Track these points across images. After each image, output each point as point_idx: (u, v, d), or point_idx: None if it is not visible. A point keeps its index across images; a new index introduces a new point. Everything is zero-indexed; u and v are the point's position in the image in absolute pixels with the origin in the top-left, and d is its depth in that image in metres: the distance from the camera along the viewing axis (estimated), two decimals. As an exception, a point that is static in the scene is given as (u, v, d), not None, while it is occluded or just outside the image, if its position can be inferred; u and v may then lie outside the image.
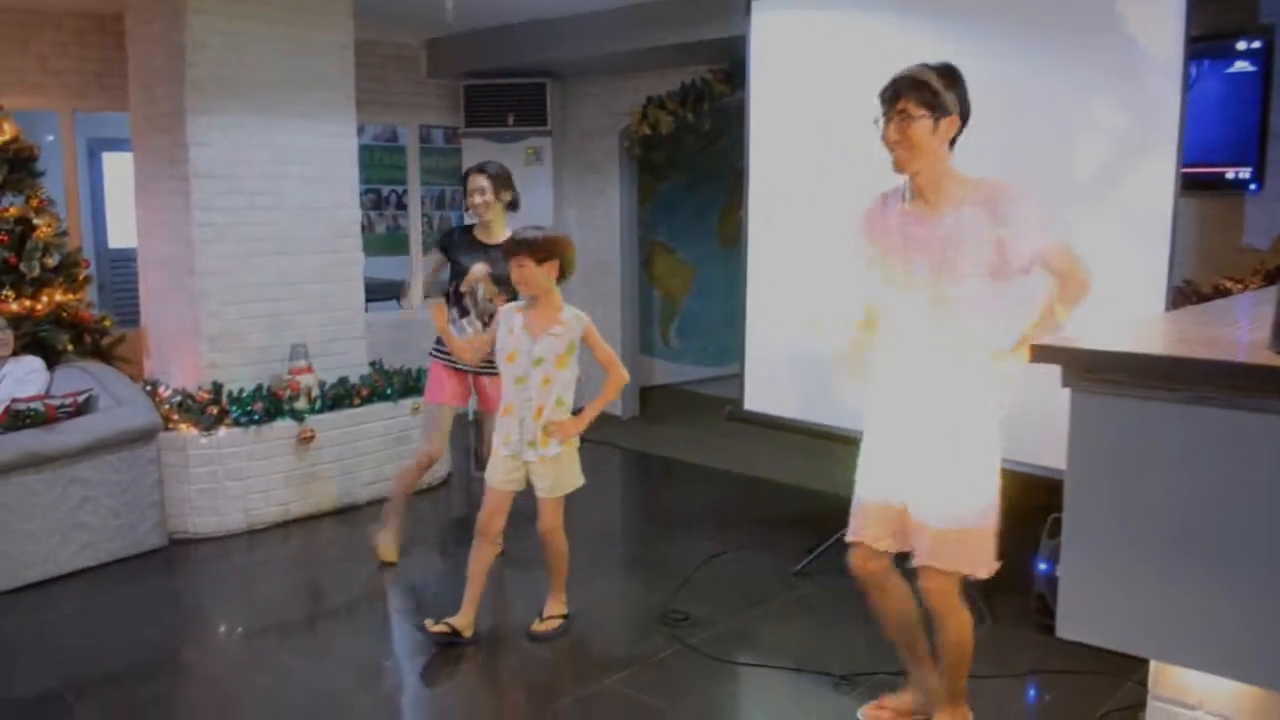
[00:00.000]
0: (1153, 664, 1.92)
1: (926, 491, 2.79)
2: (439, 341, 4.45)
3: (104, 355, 5.30)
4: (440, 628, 3.73)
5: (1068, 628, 1.85)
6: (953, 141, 2.74)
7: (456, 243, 4.51)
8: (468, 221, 4.67)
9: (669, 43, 5.90)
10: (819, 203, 4.26)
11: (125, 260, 7.52)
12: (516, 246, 3.60)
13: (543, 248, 3.58)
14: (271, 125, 5.24)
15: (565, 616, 3.91)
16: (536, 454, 3.66)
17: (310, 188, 5.42)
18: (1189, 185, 4.14)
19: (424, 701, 3.57)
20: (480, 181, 4.42)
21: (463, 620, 3.76)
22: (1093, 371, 1.75)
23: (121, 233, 8.86)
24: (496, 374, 4.04)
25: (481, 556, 3.76)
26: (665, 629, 3.90)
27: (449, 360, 4.42)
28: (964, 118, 2.72)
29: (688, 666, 3.61)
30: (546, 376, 3.63)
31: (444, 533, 5.04)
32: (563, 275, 3.67)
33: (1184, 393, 1.64)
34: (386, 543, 4.60)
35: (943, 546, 2.77)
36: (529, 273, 3.58)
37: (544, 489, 3.72)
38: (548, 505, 3.74)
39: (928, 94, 2.64)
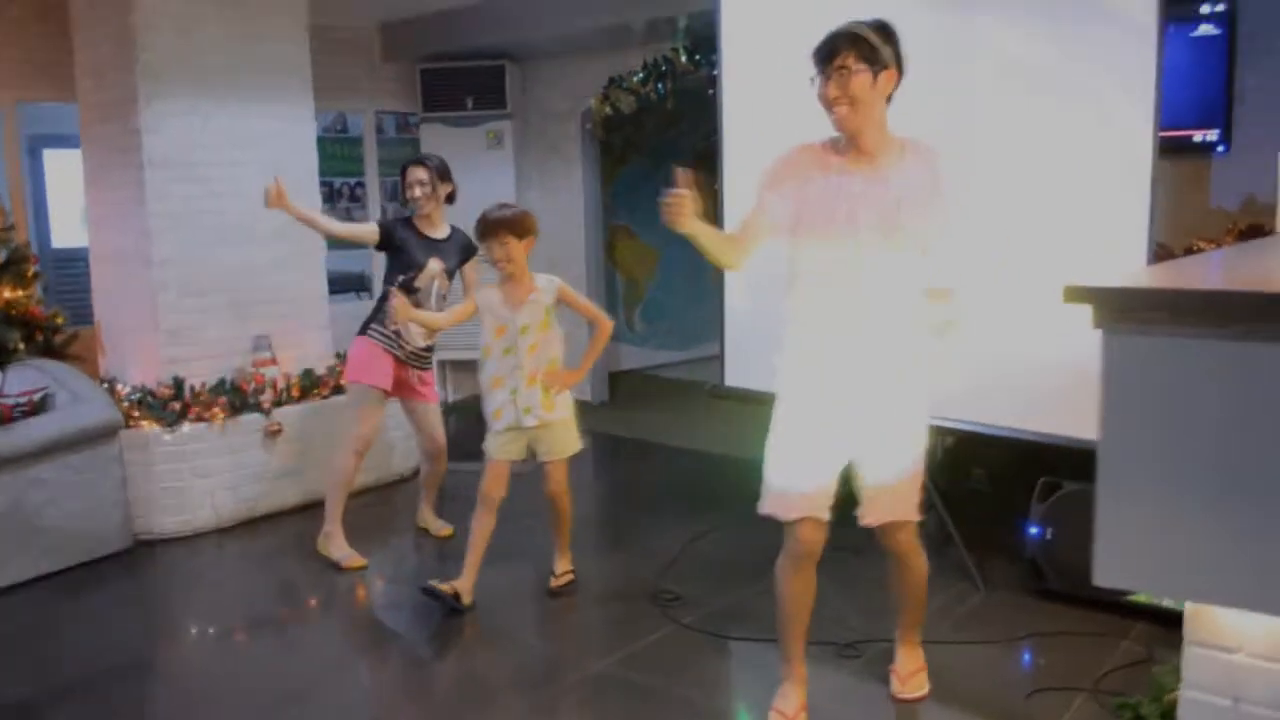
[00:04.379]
0: (1188, 611, 1.89)
1: (883, 451, 2.82)
2: (376, 322, 4.41)
3: (57, 354, 5.10)
4: (445, 587, 3.79)
5: (1105, 575, 1.81)
6: (889, 98, 2.74)
7: (403, 236, 4.40)
8: (404, 214, 4.58)
9: (631, 19, 5.82)
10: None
11: (70, 260, 7.28)
12: (498, 226, 3.70)
13: (521, 224, 3.74)
14: (226, 110, 5.07)
15: (573, 572, 4.08)
16: (536, 419, 3.76)
17: (268, 174, 5.21)
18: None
19: (408, 698, 3.47)
20: (420, 174, 4.38)
21: (463, 585, 3.83)
22: (1128, 311, 1.71)
23: (65, 232, 8.59)
24: (428, 367, 4.53)
25: (483, 525, 3.84)
26: (657, 609, 3.83)
27: (392, 345, 4.38)
28: (900, 72, 2.72)
29: (684, 645, 3.55)
30: (533, 343, 3.75)
31: (416, 527, 4.90)
32: (532, 245, 3.80)
33: (1227, 329, 1.61)
34: (346, 550, 4.39)
35: (902, 498, 2.87)
36: (512, 249, 3.71)
37: (550, 452, 3.85)
38: (557, 468, 3.88)
39: (865, 48, 2.65)
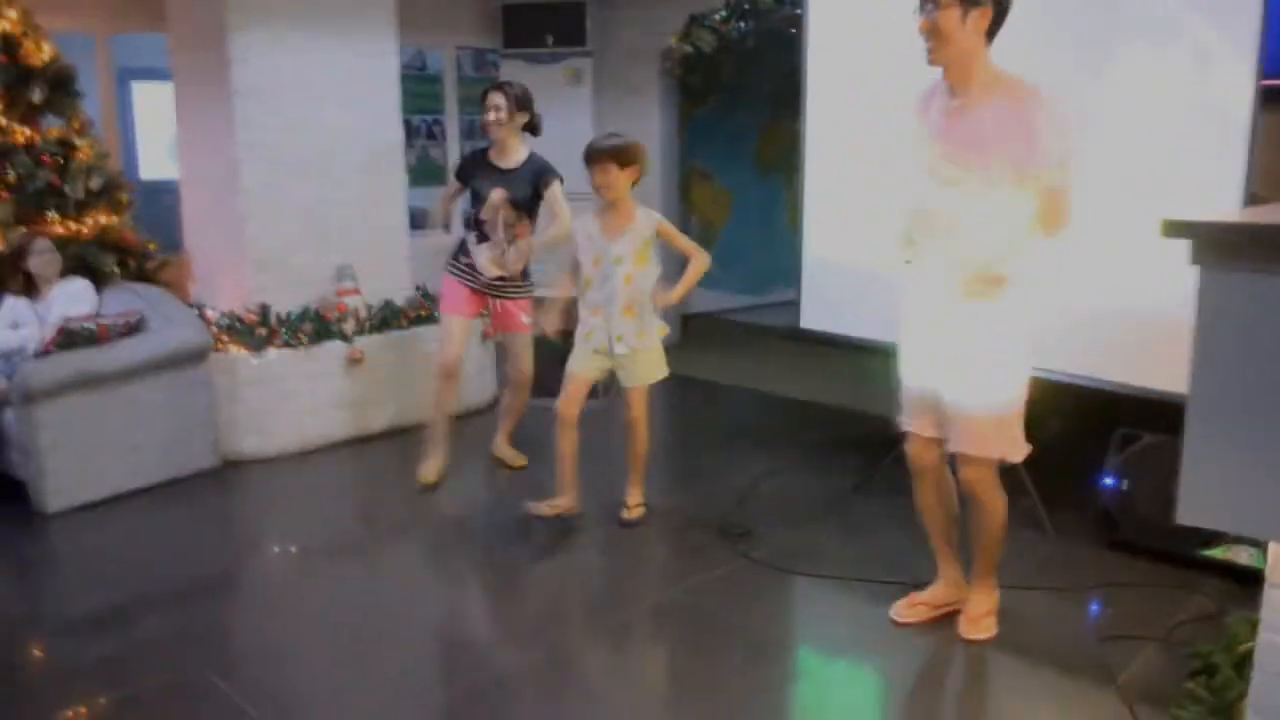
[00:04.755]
0: (1272, 552, 1.87)
1: (960, 380, 2.90)
2: (455, 258, 4.55)
3: (148, 279, 5.27)
4: (547, 510, 3.96)
5: (1189, 514, 1.80)
6: (992, 35, 2.75)
7: (472, 168, 4.49)
8: (481, 145, 4.67)
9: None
10: (884, 109, 4.13)
11: (157, 191, 7.47)
12: (602, 153, 3.73)
13: (626, 153, 3.74)
14: (312, 42, 5.13)
15: (645, 504, 4.14)
16: (627, 347, 3.83)
17: (352, 106, 5.32)
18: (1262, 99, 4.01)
19: (484, 620, 3.57)
20: (496, 99, 4.37)
21: (566, 502, 3.99)
22: (1228, 245, 1.68)
23: (152, 164, 8.80)
24: (515, 297, 4.52)
25: (568, 441, 3.94)
26: (726, 543, 3.88)
27: (466, 278, 4.51)
28: (999, 9, 2.71)
29: (750, 579, 3.60)
30: (628, 274, 3.79)
31: (491, 455, 4.99)
32: (638, 177, 3.82)
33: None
34: (430, 464, 4.59)
35: (978, 433, 2.91)
36: (612, 178, 3.73)
37: (632, 378, 3.94)
38: (636, 394, 3.97)
39: None
